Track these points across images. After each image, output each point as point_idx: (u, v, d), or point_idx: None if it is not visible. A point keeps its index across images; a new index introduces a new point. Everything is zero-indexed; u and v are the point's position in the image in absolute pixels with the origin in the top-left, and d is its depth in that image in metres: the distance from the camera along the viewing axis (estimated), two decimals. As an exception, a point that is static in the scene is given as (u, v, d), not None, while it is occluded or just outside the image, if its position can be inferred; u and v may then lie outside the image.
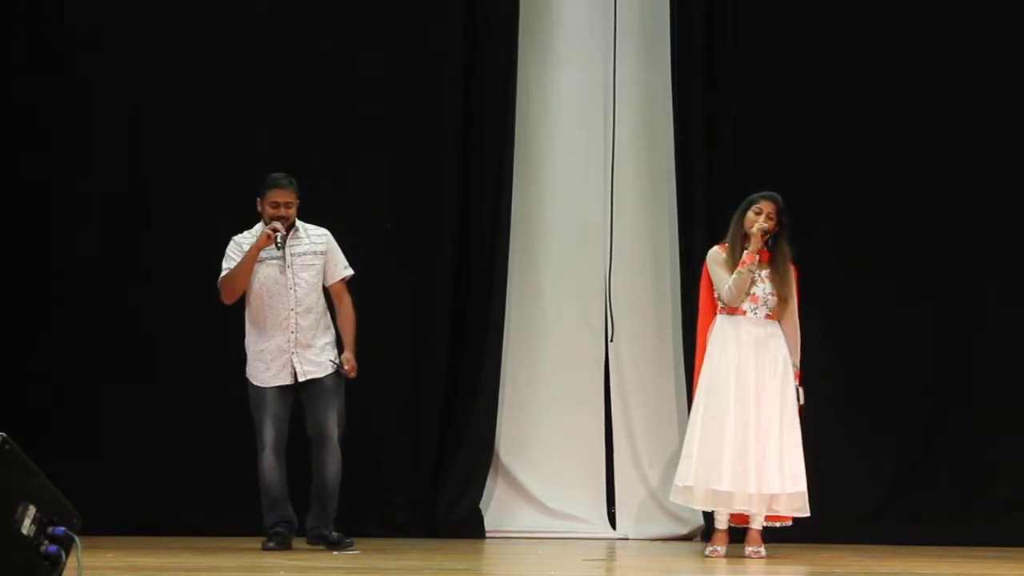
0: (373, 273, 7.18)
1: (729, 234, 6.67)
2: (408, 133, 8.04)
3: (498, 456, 7.93)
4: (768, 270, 6.62)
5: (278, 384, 6.63)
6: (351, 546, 6.53)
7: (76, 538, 3.79)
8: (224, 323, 7.78)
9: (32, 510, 3.69)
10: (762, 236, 6.53)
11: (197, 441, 7.78)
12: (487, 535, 7.78)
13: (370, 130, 7.96)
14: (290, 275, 6.65)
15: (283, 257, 6.65)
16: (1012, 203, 7.77)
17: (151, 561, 5.85)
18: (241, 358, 6.96)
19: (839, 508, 7.20)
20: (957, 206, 7.79)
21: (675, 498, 6.73)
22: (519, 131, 8.01)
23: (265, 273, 6.65)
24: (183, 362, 7.87)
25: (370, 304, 6.92)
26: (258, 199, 6.69)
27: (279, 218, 6.61)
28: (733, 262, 6.58)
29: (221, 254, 7.86)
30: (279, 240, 6.57)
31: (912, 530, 7.46)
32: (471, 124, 7.95)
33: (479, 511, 7.82)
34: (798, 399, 6.59)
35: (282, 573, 5.38)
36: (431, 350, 7.85)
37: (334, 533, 6.57)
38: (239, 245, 6.71)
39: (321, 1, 8.02)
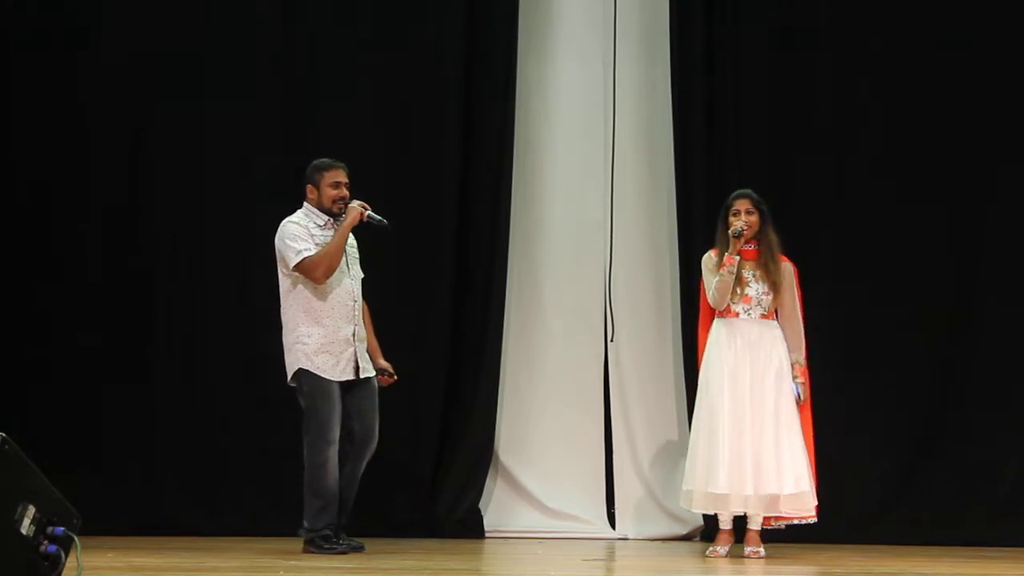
0: (373, 273, 7.17)
1: (717, 239, 6.69)
2: (408, 133, 8.03)
3: (498, 456, 7.93)
4: (760, 269, 6.61)
5: (344, 379, 6.46)
6: (361, 549, 6.47)
7: (76, 538, 3.79)
8: (224, 323, 7.80)
9: (32, 510, 3.69)
10: (737, 238, 6.52)
11: (197, 441, 7.77)
12: (487, 535, 7.77)
13: (370, 130, 7.95)
14: (347, 266, 6.55)
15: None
16: (1011, 203, 7.76)
17: (151, 561, 5.84)
18: (242, 358, 6.97)
19: (839, 508, 7.18)
20: (957, 205, 7.77)
21: (682, 503, 6.77)
22: (519, 131, 8.00)
23: None
24: (183, 362, 7.87)
25: (370, 304, 6.90)
26: (309, 185, 6.53)
27: (342, 198, 6.50)
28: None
29: (221, 253, 7.88)
30: (375, 217, 6.49)
31: (912, 530, 7.46)
32: (471, 124, 7.95)
33: (479, 511, 7.82)
34: (798, 397, 6.59)
35: (282, 573, 5.38)
36: (431, 350, 7.84)
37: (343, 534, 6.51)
38: (305, 228, 6.46)
39: (321, 1, 8.01)
